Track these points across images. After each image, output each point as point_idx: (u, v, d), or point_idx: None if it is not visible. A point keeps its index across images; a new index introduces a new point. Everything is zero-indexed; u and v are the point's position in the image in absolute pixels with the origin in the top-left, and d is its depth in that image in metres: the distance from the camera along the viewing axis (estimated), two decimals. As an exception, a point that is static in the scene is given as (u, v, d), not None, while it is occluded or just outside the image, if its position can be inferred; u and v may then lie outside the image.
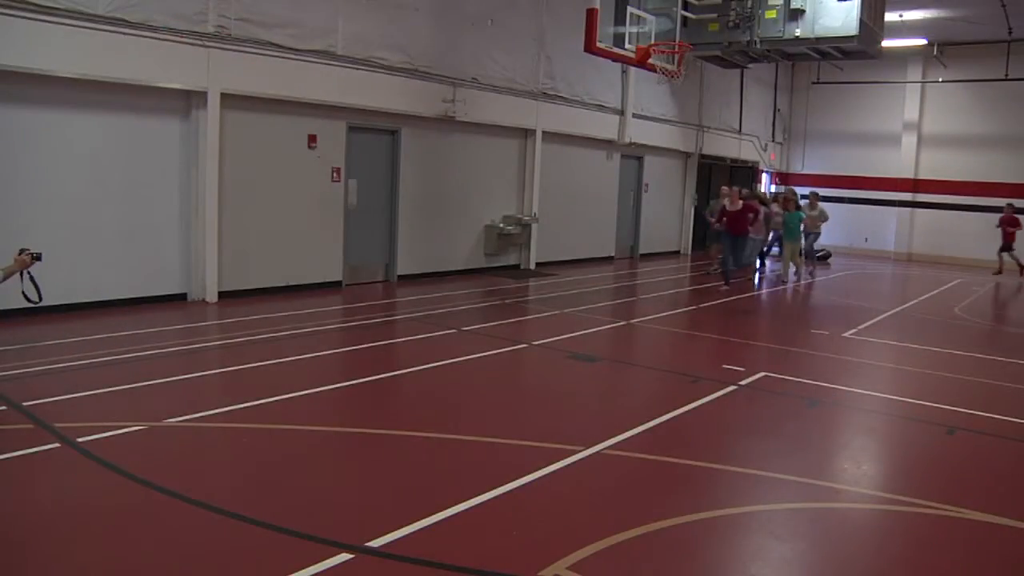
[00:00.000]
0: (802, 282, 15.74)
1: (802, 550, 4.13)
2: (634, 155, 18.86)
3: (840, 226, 23.47)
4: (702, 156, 21.07)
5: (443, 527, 4.08)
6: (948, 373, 8.40)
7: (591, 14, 11.00)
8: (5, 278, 5.48)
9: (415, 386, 7.05)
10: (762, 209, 15.29)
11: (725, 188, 14.87)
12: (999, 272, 19.33)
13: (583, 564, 3.74)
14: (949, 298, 14.80)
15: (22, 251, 5.59)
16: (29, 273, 5.68)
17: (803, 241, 16.03)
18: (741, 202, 13.81)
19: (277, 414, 5.86)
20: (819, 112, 24.55)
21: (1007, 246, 19.35)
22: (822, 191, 22.37)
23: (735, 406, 6.83)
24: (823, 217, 17.44)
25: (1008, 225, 19.25)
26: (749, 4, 13.74)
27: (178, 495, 4.30)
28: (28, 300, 5.62)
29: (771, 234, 16.91)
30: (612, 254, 18.45)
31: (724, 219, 13.95)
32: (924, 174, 22.91)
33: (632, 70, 16.62)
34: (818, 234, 17.46)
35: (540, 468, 4.91)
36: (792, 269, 15.70)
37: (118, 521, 4.06)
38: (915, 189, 23.00)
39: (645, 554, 3.93)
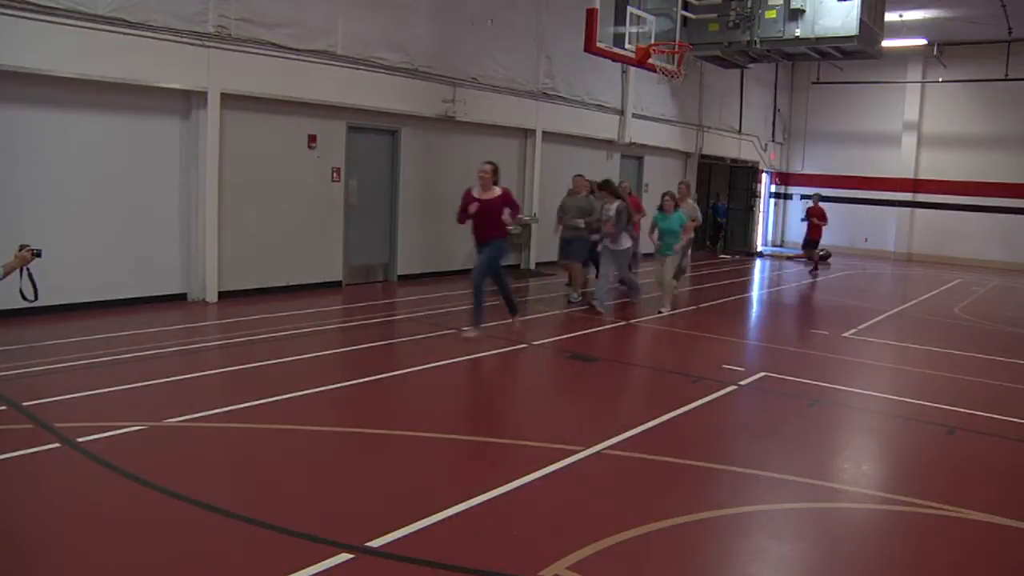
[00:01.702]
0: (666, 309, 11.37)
1: (802, 550, 4.13)
2: (634, 155, 18.85)
3: (840, 226, 23.51)
4: (702, 156, 21.07)
5: (443, 527, 4.07)
6: (948, 373, 8.40)
7: (591, 14, 10.99)
8: (5, 275, 5.45)
9: (415, 386, 7.05)
10: (618, 203, 11.03)
11: (485, 166, 8.89)
12: (815, 269, 18.15)
13: (583, 564, 3.74)
14: (949, 298, 14.79)
15: (22, 247, 5.56)
16: (28, 270, 5.64)
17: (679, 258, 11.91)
18: (499, 189, 8.82)
19: (277, 414, 5.86)
20: (819, 112, 24.55)
21: (810, 242, 18.17)
22: (823, 191, 22.32)
23: (735, 406, 6.83)
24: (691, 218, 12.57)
25: (816, 218, 17.94)
26: (749, 4, 13.72)
27: (178, 495, 4.30)
28: (24, 298, 5.59)
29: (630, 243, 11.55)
30: (612, 254, 18.41)
31: (468, 216, 8.81)
32: (924, 174, 22.92)
33: (632, 70, 16.61)
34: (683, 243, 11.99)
35: (540, 468, 4.91)
36: (672, 291, 11.89)
37: (118, 521, 4.06)
38: (915, 189, 23.02)
39: (645, 554, 3.93)
